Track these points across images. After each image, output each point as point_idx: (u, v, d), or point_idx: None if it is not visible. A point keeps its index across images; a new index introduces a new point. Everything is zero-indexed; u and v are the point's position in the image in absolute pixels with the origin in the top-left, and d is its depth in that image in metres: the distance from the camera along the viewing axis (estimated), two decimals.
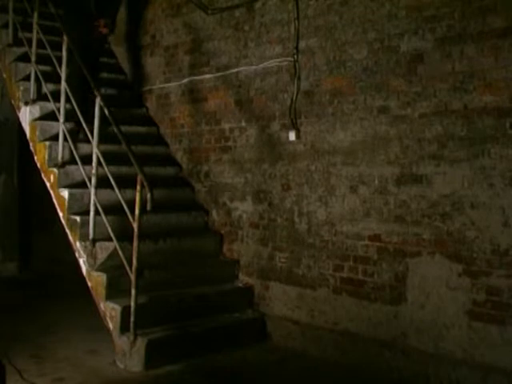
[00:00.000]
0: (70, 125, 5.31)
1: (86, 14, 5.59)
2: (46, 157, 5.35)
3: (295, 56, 5.03)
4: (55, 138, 5.33)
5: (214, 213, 5.81)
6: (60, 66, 5.28)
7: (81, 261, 4.92)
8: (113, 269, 4.75)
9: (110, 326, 4.62)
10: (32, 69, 5.61)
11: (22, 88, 5.81)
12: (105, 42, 6.06)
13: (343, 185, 4.70)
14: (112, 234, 4.65)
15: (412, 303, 4.26)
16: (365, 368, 4.43)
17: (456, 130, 4.05)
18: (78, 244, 4.94)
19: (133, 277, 4.38)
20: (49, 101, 5.36)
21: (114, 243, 4.65)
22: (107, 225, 4.69)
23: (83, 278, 4.93)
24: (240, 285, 5.45)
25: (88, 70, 5.05)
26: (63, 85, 5.21)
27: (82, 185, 5.01)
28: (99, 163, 4.80)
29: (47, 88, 5.42)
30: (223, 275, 5.45)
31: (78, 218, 5.00)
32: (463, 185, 4.01)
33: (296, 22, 5.01)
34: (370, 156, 4.53)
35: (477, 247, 3.93)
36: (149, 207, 4.31)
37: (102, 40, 5.93)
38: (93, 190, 4.83)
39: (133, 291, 4.37)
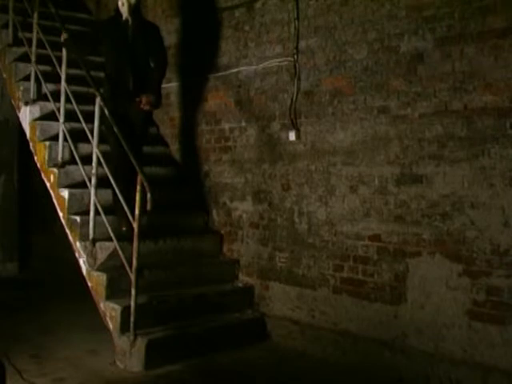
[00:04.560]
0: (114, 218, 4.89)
1: (126, 91, 5.08)
2: (46, 157, 5.36)
3: (295, 56, 5.03)
4: (55, 137, 5.33)
5: (214, 213, 5.81)
6: (60, 66, 5.28)
7: (81, 261, 4.92)
8: (113, 269, 4.75)
9: (110, 326, 4.62)
10: (32, 69, 5.61)
11: (21, 88, 5.81)
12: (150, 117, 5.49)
13: (343, 185, 4.70)
14: (112, 234, 4.65)
15: (412, 303, 4.26)
16: (365, 368, 4.42)
17: (456, 130, 4.05)
18: (78, 244, 4.94)
19: (133, 277, 4.38)
20: (49, 101, 5.36)
21: (114, 243, 4.65)
22: (107, 225, 4.69)
23: (83, 278, 4.93)
24: (240, 285, 5.45)
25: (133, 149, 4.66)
26: (63, 85, 5.20)
27: (82, 185, 5.01)
28: (99, 163, 4.80)
29: (47, 88, 5.42)
30: (223, 275, 5.45)
31: (77, 218, 5.00)
32: (463, 185, 4.01)
33: (296, 21, 5.02)
34: (370, 156, 4.53)
35: (477, 247, 3.93)
36: (149, 207, 4.31)
37: (146, 116, 5.29)
38: (93, 190, 4.83)
39: (133, 291, 4.37)
